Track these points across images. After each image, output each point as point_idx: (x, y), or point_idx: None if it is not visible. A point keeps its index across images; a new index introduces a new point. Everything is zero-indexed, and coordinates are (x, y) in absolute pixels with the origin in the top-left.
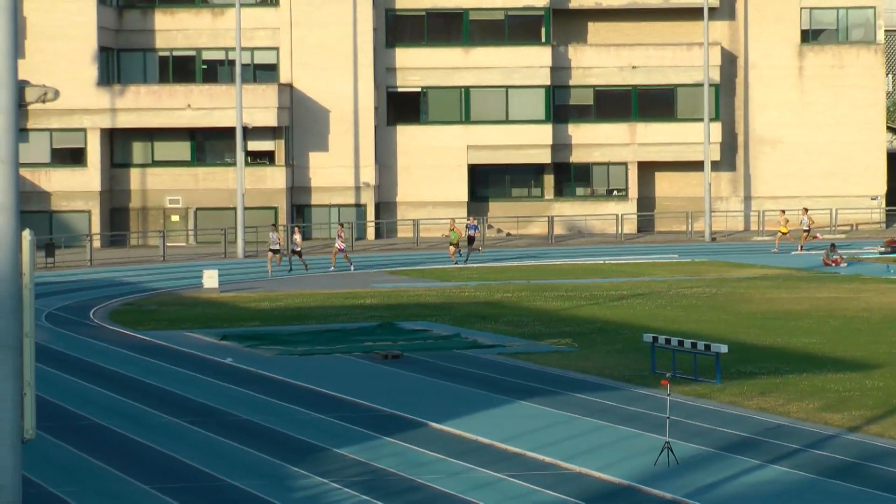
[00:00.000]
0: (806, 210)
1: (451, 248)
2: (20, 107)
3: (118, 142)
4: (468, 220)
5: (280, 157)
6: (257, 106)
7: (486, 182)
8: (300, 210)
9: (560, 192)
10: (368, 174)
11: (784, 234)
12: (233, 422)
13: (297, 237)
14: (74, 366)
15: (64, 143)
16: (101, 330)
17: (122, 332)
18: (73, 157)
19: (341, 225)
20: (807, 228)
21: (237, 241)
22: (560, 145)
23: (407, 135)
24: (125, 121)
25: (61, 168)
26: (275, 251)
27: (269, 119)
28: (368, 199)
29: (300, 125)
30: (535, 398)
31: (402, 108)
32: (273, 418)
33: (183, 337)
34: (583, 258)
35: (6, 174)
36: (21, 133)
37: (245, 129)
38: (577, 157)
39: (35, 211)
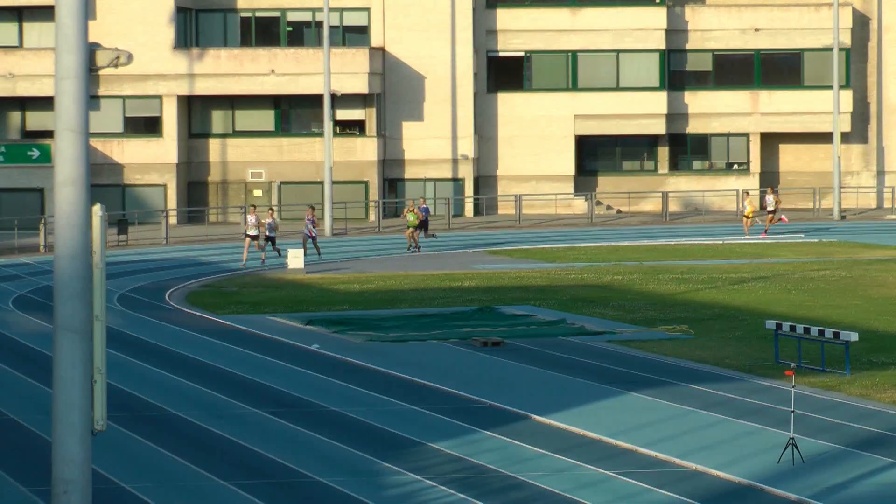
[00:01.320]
0: (772, 189)
1: (409, 231)
2: (91, 72)
3: (196, 110)
4: (420, 200)
5: (371, 127)
6: (346, 71)
7: (594, 155)
8: (392, 184)
9: (675, 165)
10: (467, 146)
11: (749, 217)
12: (319, 413)
13: (268, 220)
14: (148, 352)
15: (138, 112)
16: (177, 313)
17: (200, 316)
18: (147, 126)
19: (312, 207)
20: (772, 209)
21: (324, 217)
22: (675, 115)
23: (508, 103)
24: (204, 87)
25: (135, 138)
26: (253, 237)
27: (360, 86)
28: (467, 172)
29: (393, 93)
30: (647, 390)
31: (503, 74)
32: (363, 409)
33: (266, 321)
34: (700, 238)
35: (76, 145)
36: (92, 100)
37: (333, 97)
38: (693, 127)
39: (107, 185)
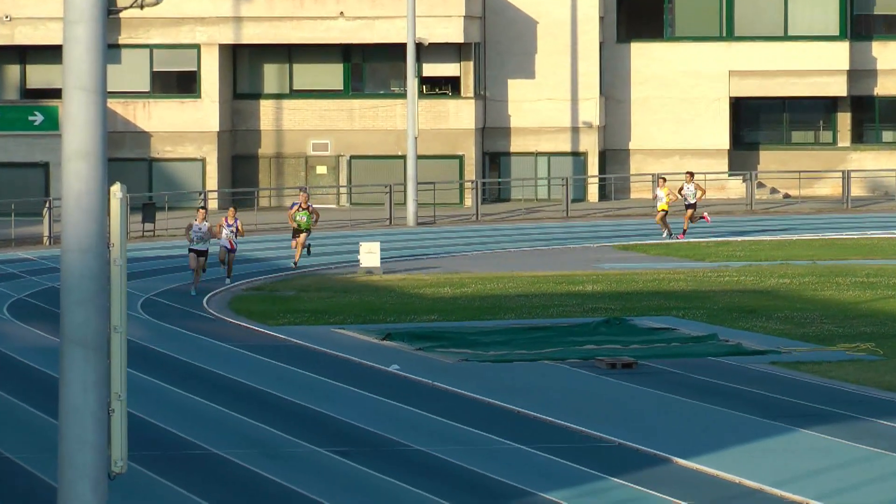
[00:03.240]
0: (691, 175)
1: (298, 240)
2: (109, 14)
3: (244, 64)
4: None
5: (467, 86)
6: (436, 14)
7: (754, 123)
8: (494, 159)
9: (860, 137)
10: (590, 110)
11: (664, 212)
12: (400, 453)
13: (222, 226)
14: (181, 373)
15: (169, 65)
16: (217, 324)
17: (247, 328)
18: (181, 84)
19: (303, 191)
20: (691, 203)
21: (407, 202)
22: (860, 71)
23: (645, 56)
24: (254, 34)
25: (165, 99)
26: (199, 252)
27: (453, 33)
28: (590, 145)
29: (496, 42)
30: (822, 426)
31: (638, 18)
32: (455, 449)
33: (331, 335)
34: (891, 230)
35: (90, 107)
36: (111, 51)
37: (419, 47)
38: (884, 87)
39: (129, 158)
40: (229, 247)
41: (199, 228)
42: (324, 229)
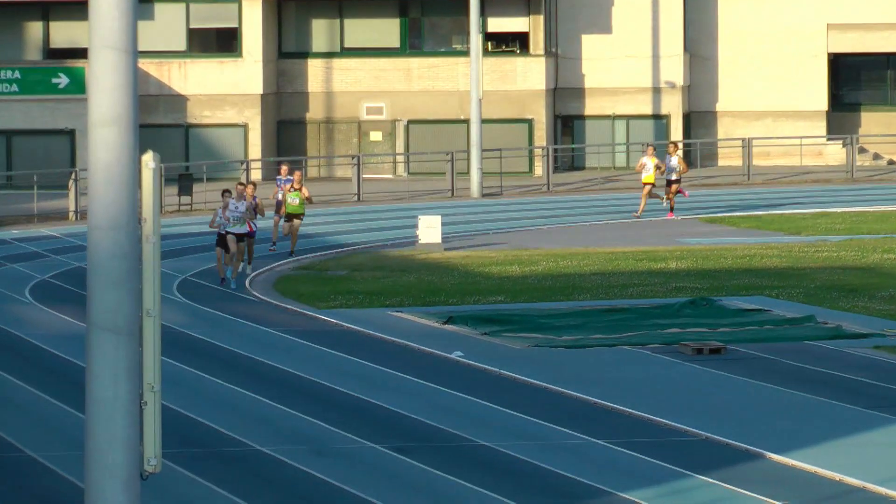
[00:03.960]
0: (676, 146)
1: (292, 226)
2: None
3: (290, 19)
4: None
5: (537, 42)
6: None
7: (855, 81)
8: (567, 123)
9: None
10: (673, 69)
11: (649, 185)
12: (462, 449)
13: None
14: (221, 362)
15: (207, 22)
16: (261, 307)
17: (294, 311)
18: (220, 42)
19: (281, 166)
20: (675, 178)
21: (470, 171)
22: None
23: (734, 8)
24: None
25: (203, 59)
26: (237, 236)
27: None
28: (673, 107)
29: None
30: None
31: None
32: (524, 445)
33: (387, 319)
34: None
35: (119, 69)
36: (142, 6)
37: (484, 0)
38: None
39: (163, 125)
40: (249, 230)
41: (237, 207)
42: (379, 202)
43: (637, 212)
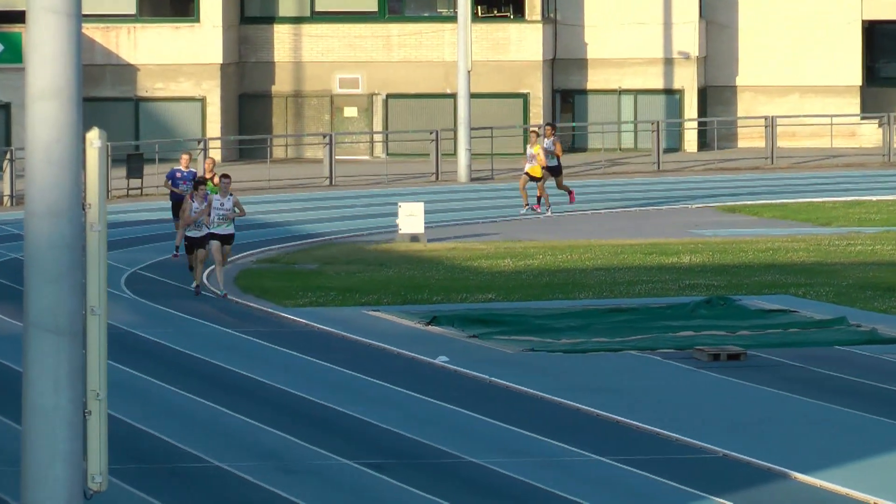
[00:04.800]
0: (553, 128)
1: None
2: None
3: None
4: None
5: (533, 6)
6: None
7: (893, 53)
8: (567, 98)
9: None
10: (688, 38)
11: (532, 178)
12: (448, 467)
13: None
14: (176, 366)
15: None
16: (221, 305)
17: (259, 309)
18: (175, 4)
19: (186, 160)
20: (554, 164)
21: (458, 152)
22: None
23: None
24: None
25: (155, 24)
26: (222, 238)
27: None
28: (687, 81)
29: None
30: None
31: None
32: (520, 462)
33: (363, 319)
34: None
35: (61, 34)
36: None
37: None
38: None
39: (111, 98)
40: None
41: (222, 204)
42: (354, 186)
43: (532, 205)
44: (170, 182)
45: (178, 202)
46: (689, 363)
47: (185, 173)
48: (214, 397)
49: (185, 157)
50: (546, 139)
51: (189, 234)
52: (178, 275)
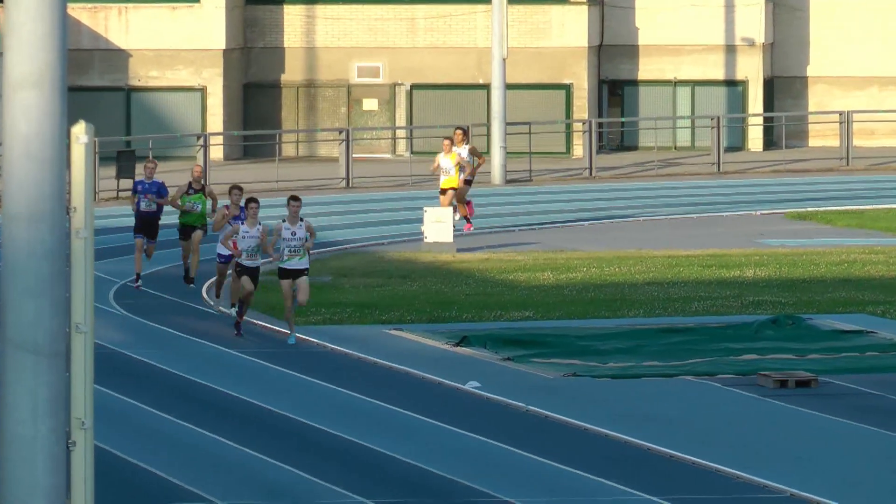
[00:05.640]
0: (464, 133)
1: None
2: None
3: None
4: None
5: None
6: None
7: None
8: (615, 90)
9: None
10: (753, 22)
11: (453, 189)
12: None
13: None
14: (172, 391)
15: None
16: (222, 321)
17: (265, 327)
18: None
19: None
20: (469, 178)
21: (492, 150)
22: None
23: None
24: None
25: (149, 4)
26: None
27: None
28: (752, 70)
29: None
30: None
31: None
32: (562, 502)
33: (383, 338)
34: None
35: (44, 15)
36: None
37: None
38: None
39: (99, 88)
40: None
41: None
42: (374, 188)
43: (460, 217)
44: (134, 195)
45: (148, 219)
46: (753, 391)
47: (146, 185)
48: (215, 426)
49: (150, 165)
50: (457, 147)
51: (244, 262)
52: (174, 288)
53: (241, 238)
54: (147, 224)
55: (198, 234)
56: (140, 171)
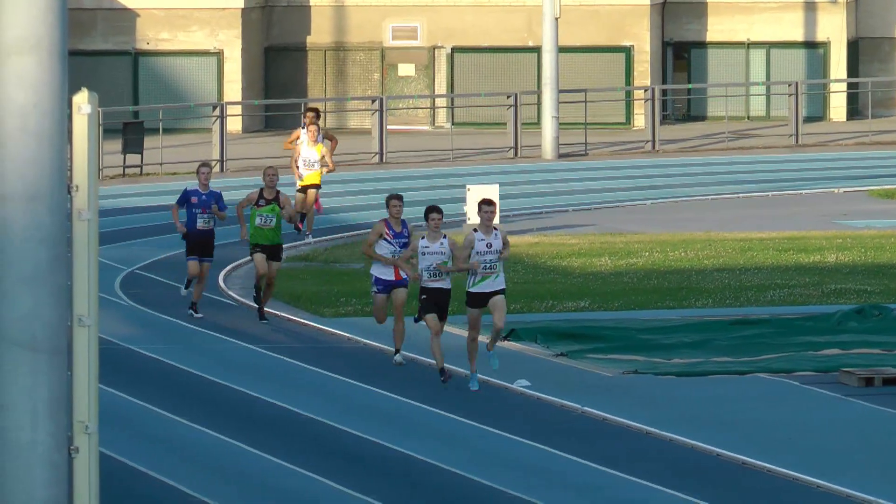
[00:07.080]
0: (316, 114)
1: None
2: None
3: None
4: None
5: None
6: None
7: None
8: (681, 53)
9: None
10: None
11: (315, 187)
12: None
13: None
14: (185, 391)
15: None
16: (241, 313)
17: (289, 320)
18: None
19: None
20: (317, 185)
21: (542, 121)
22: None
23: None
24: None
25: None
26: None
27: None
28: (834, 30)
29: None
30: None
31: None
32: None
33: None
34: None
35: None
36: None
37: None
38: None
39: (104, 52)
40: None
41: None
42: (410, 164)
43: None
44: (178, 208)
45: (205, 239)
46: (836, 389)
47: (202, 197)
48: (230, 430)
49: (204, 170)
50: (306, 130)
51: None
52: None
53: (421, 255)
54: (203, 245)
55: (274, 266)
56: (149, 143)
